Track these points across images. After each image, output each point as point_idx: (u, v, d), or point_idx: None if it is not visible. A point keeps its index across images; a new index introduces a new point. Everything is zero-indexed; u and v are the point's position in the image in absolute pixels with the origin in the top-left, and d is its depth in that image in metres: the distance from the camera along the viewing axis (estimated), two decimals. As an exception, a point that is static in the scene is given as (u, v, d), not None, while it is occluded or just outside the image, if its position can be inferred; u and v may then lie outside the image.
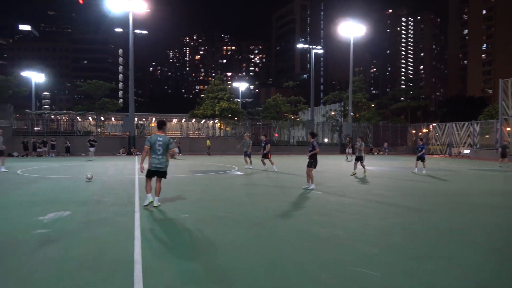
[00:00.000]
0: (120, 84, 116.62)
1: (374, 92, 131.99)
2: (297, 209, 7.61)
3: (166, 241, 5.09)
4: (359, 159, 14.42)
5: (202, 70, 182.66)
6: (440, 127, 39.79)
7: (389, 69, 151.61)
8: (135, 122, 33.74)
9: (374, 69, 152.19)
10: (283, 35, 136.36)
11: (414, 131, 44.45)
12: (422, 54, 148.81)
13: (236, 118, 40.00)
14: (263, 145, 16.73)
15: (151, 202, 7.08)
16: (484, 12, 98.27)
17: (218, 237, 5.21)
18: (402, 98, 56.60)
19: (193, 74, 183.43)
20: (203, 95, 45.46)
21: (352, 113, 40.75)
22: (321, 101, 70.23)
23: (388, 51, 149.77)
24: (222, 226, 5.93)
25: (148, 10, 32.83)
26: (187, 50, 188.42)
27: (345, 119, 45.02)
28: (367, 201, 8.52)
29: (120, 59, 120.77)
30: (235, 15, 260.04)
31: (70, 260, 4.14)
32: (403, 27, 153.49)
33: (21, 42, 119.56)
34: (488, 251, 4.80)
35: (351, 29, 38.28)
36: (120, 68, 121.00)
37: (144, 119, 40.36)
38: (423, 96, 68.59)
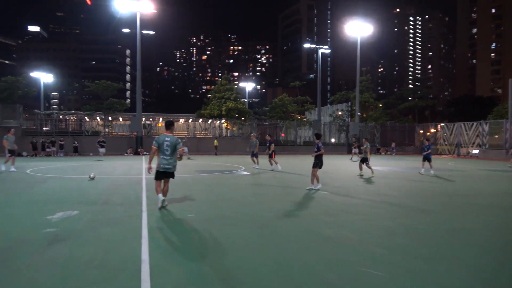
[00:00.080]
0: (128, 85, 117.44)
1: (381, 91, 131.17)
2: (303, 209, 7.61)
3: (173, 240, 5.10)
4: (365, 160, 14.34)
5: (209, 70, 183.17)
6: (448, 127, 39.45)
7: (397, 68, 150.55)
8: (143, 122, 33.90)
9: (382, 69, 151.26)
10: (290, 34, 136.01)
11: (421, 131, 44.12)
12: (430, 53, 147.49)
13: (242, 118, 40.02)
14: (267, 144, 16.90)
15: (163, 200, 7.05)
16: (493, 10, 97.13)
17: (224, 237, 5.22)
18: (409, 98, 56.01)
19: (200, 74, 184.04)
20: (209, 95, 45.56)
21: (359, 113, 40.59)
22: (328, 101, 69.99)
23: (395, 51, 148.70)
24: (229, 226, 5.94)
25: (155, 11, 33.02)
26: (194, 50, 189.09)
27: (352, 119, 44.81)
28: (374, 201, 8.47)
29: (128, 59, 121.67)
30: (242, 15, 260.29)
31: (78, 259, 4.17)
32: (410, 26, 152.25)
33: (30, 43, 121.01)
34: (495, 252, 4.77)
35: (358, 29, 38.11)
36: (128, 68, 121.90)
37: (151, 119, 40.58)
38: (431, 96, 67.87)
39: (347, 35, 41.74)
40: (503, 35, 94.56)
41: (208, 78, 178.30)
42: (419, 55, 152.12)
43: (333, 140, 44.84)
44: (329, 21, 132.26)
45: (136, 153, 31.01)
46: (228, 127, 40.56)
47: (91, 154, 30.18)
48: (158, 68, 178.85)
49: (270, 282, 3.60)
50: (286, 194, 9.46)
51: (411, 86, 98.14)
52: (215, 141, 33.98)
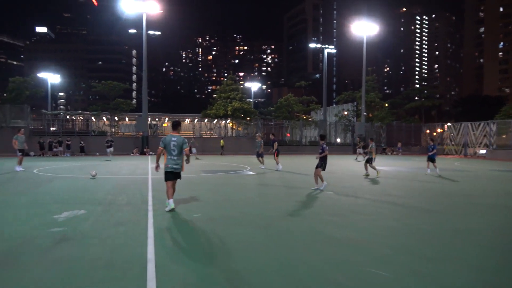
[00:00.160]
0: (134, 85, 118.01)
1: (387, 91, 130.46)
2: (309, 209, 7.62)
3: (179, 240, 5.12)
4: (369, 160, 14.29)
5: (215, 70, 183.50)
6: (455, 127, 39.18)
7: (403, 68, 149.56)
8: (148, 122, 34.06)
9: (388, 68, 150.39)
10: (295, 34, 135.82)
11: (428, 131, 43.82)
12: (437, 53, 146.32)
13: (248, 118, 40.01)
14: (271, 143, 16.99)
15: (173, 209, 6.92)
16: (501, 9, 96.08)
17: (230, 236, 5.22)
18: (416, 98, 55.73)
19: (206, 74, 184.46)
20: (215, 95, 45.58)
21: (365, 113, 40.40)
22: (334, 100, 69.68)
23: (401, 50, 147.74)
24: (234, 225, 5.95)
25: (161, 11, 33.15)
26: (200, 51, 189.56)
27: (358, 119, 44.67)
28: (379, 201, 8.44)
29: (134, 59, 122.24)
30: (247, 15, 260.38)
31: (84, 259, 4.20)
32: (417, 26, 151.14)
33: (38, 44, 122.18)
34: (500, 253, 4.74)
35: (364, 28, 38.04)
36: (134, 68, 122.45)
37: (157, 119, 40.74)
38: (438, 96, 67.42)
39: (353, 34, 41.68)
40: (511, 34, 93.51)
41: (214, 78, 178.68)
42: (426, 55, 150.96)
43: (338, 140, 44.70)
44: (334, 21, 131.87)
45: (142, 153, 31.15)
46: (234, 127, 40.60)
47: (97, 154, 30.36)
48: (164, 68, 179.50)
49: (275, 282, 3.60)
50: (291, 194, 9.44)
51: (417, 85, 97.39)
52: (221, 141, 34.07)
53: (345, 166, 19.72)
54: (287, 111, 45.61)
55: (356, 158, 25.82)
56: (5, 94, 37.76)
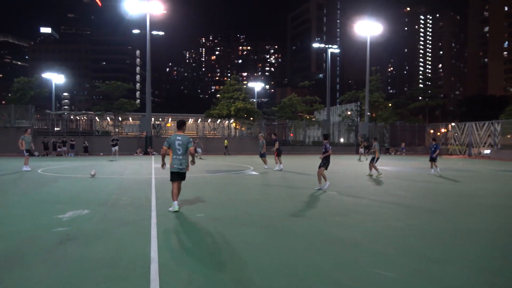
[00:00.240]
0: (138, 85, 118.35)
1: (391, 91, 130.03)
2: (312, 209, 7.62)
3: (182, 240, 5.12)
4: (372, 160, 14.28)
5: (218, 70, 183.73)
6: (459, 127, 38.93)
7: (407, 68, 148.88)
8: (152, 122, 34.11)
9: (392, 68, 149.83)
10: (299, 34, 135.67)
11: (432, 131, 43.57)
12: (441, 52, 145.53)
13: (251, 118, 39.94)
14: (273, 144, 17.05)
15: (177, 211, 6.87)
16: (506, 9, 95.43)
17: (233, 236, 5.22)
18: (420, 98, 55.33)
19: (209, 75, 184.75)
20: (218, 95, 45.60)
21: (368, 113, 40.14)
22: (337, 100, 69.61)
23: (405, 50, 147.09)
24: (238, 225, 5.96)
25: (165, 12, 33.15)
26: (203, 51, 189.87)
27: (362, 119, 44.49)
28: (383, 202, 8.41)
29: (138, 60, 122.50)
30: (251, 15, 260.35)
31: (88, 258, 4.22)
32: (421, 25, 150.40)
33: (42, 44, 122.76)
34: (504, 253, 4.71)
35: (368, 28, 37.93)
36: (138, 69, 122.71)
37: (160, 119, 40.86)
38: (442, 95, 66.93)
39: (356, 34, 41.46)
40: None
41: (217, 78, 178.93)
42: (430, 54, 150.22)
43: (342, 140, 44.56)
44: (338, 21, 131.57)
45: (146, 153, 31.16)
46: (237, 127, 40.55)
47: (101, 154, 30.40)
48: (168, 69, 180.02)
49: (279, 282, 3.60)
50: (294, 194, 9.42)
51: (421, 85, 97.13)
52: (225, 141, 34.08)
53: (349, 166, 19.64)
54: (290, 111, 45.43)
55: (359, 159, 25.69)
56: (9, 95, 37.94)
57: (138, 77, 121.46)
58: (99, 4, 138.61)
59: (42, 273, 3.76)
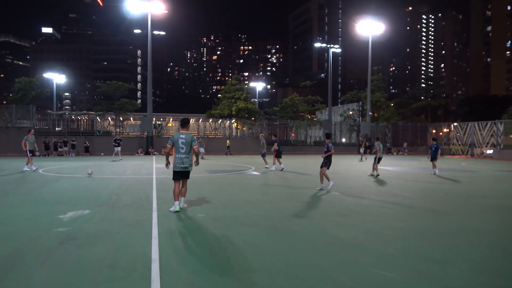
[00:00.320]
0: (139, 85, 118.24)
1: (393, 91, 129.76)
2: (314, 209, 7.59)
3: (183, 240, 5.11)
4: (375, 160, 14.22)
5: (219, 70, 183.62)
6: (461, 127, 38.80)
7: (409, 67, 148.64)
8: (153, 122, 34.00)
9: (393, 68, 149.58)
10: (300, 34, 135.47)
11: (434, 131, 43.45)
12: (443, 52, 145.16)
13: (253, 118, 39.83)
14: (273, 144, 17.09)
15: (178, 211, 6.79)
16: (508, 8, 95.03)
17: (235, 237, 5.20)
18: (422, 97, 55.15)
19: (210, 74, 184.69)
20: (220, 95, 45.52)
21: (370, 113, 40.10)
22: (339, 100, 69.42)
23: (407, 49, 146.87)
24: (239, 226, 5.93)
25: (166, 11, 33.14)
26: (205, 50, 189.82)
27: (363, 118, 44.33)
28: (386, 202, 8.36)
29: (139, 60, 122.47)
30: (252, 15, 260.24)
31: (88, 258, 4.22)
32: (423, 25, 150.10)
33: (44, 44, 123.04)
34: (509, 254, 4.68)
35: (370, 27, 37.83)
36: (139, 69, 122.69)
37: (161, 119, 40.65)
38: (444, 95, 66.66)
39: (358, 34, 41.40)
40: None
41: (218, 78, 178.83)
42: (432, 54, 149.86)
43: (343, 140, 44.44)
44: (340, 20, 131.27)
45: (147, 153, 31.13)
46: (238, 127, 40.47)
47: (102, 154, 30.38)
48: (169, 69, 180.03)
49: (280, 282, 3.59)
50: (296, 195, 9.39)
51: (423, 85, 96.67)
52: (227, 141, 34.05)
53: (351, 166, 19.60)
54: (292, 111, 45.32)
55: (361, 159, 25.61)
56: (11, 95, 37.94)
57: (139, 77, 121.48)
58: (101, 4, 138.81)
59: (43, 274, 3.77)
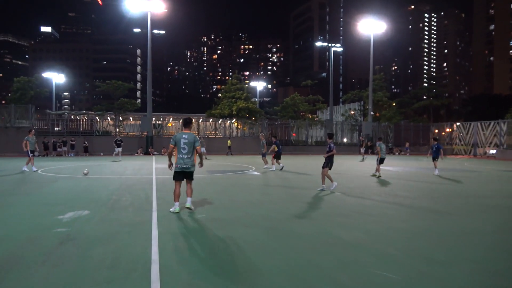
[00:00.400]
0: (138, 84, 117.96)
1: (395, 90, 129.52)
2: (315, 210, 7.55)
3: (183, 241, 5.07)
4: (378, 160, 14.06)
5: (220, 69, 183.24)
6: (464, 127, 38.77)
7: (411, 66, 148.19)
8: (153, 122, 33.87)
9: (395, 67, 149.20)
10: (301, 33, 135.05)
11: (437, 131, 43.29)
12: (446, 51, 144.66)
13: (253, 118, 39.66)
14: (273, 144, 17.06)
15: (177, 212, 6.73)
16: (511, 6, 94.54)
17: (235, 238, 5.17)
18: (424, 97, 54.81)
19: (211, 74, 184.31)
20: (220, 95, 45.36)
21: (372, 112, 39.95)
22: (340, 100, 68.97)
23: (410, 48, 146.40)
24: (240, 226, 5.90)
25: (166, 10, 32.96)
26: (205, 50, 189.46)
27: (365, 118, 44.19)
28: (388, 202, 8.31)
29: (139, 59, 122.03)
30: (253, 14, 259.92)
31: (88, 259, 4.21)
32: (425, 24, 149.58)
33: (43, 43, 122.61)
34: (513, 255, 4.60)
35: (372, 26, 37.76)
36: (138, 68, 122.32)
37: (161, 119, 40.54)
38: (447, 95, 65.97)
39: (360, 33, 41.44)
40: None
41: (219, 77, 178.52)
42: (434, 53, 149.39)
43: (345, 140, 44.25)
44: (341, 19, 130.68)
45: (147, 153, 30.99)
46: (239, 127, 40.29)
47: (101, 154, 30.28)
48: (169, 68, 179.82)
49: (282, 284, 3.58)
50: (297, 195, 9.34)
51: (425, 84, 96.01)
52: (229, 141, 33.93)
53: (352, 166, 19.54)
54: (293, 110, 45.17)
55: (362, 159, 25.51)
56: (10, 94, 37.82)
57: (139, 76, 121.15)
58: (100, 3, 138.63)
59: (42, 274, 3.75)
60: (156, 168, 16.63)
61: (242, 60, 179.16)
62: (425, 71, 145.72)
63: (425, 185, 11.64)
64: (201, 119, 41.80)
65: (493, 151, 33.49)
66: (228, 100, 40.37)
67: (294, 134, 41.77)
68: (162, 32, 37.00)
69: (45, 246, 4.66)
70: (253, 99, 44.82)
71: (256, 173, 15.26)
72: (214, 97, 74.68)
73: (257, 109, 41.22)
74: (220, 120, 39.19)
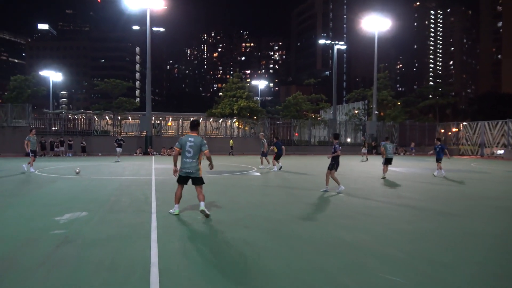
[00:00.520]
0: (137, 83, 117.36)
1: (400, 89, 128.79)
2: (320, 211, 7.55)
3: (183, 243, 5.01)
4: (384, 161, 14.01)
5: (220, 68, 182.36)
6: (471, 126, 38.54)
7: (416, 65, 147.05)
8: (152, 122, 33.66)
9: (400, 65, 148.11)
10: (304, 30, 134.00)
11: (443, 131, 43.01)
12: (452, 48, 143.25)
13: (255, 117, 39.36)
14: (274, 144, 17.08)
15: (177, 214, 6.64)
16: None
17: (237, 240, 5.12)
18: (430, 96, 54.42)
19: (211, 72, 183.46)
20: (221, 94, 45.00)
21: (376, 112, 39.60)
22: (344, 99, 68.45)
23: (415, 46, 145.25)
24: (242, 228, 5.84)
25: (166, 7, 32.54)
26: (205, 48, 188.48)
27: (369, 118, 43.94)
28: (393, 204, 8.27)
29: (137, 57, 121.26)
30: (254, 11, 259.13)
31: (86, 261, 4.17)
32: (431, 21, 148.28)
33: (40, 41, 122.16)
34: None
35: (376, 23, 37.50)
36: (137, 66, 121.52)
37: (161, 118, 40.26)
38: (453, 93, 65.47)
39: (364, 30, 41.38)
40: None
41: (219, 76, 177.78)
42: (440, 51, 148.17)
43: (349, 140, 43.84)
44: (345, 16, 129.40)
45: (146, 153, 30.78)
46: (240, 126, 39.80)
47: (99, 154, 30.10)
48: (168, 66, 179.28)
49: (284, 286, 3.55)
50: (299, 196, 9.34)
51: (431, 83, 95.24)
52: (231, 141, 33.76)
53: (356, 167, 19.48)
54: (295, 110, 44.80)
55: (366, 159, 25.46)
56: (6, 93, 37.54)
57: (138, 75, 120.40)
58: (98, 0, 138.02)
59: (39, 277, 3.71)
60: (155, 169, 16.59)
61: (243, 58, 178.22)
62: (430, 69, 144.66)
63: (430, 186, 11.58)
64: (201, 119, 41.25)
65: (500, 152, 33.20)
66: (229, 99, 39.96)
67: (296, 134, 41.37)
68: (162, 29, 36.58)
69: (42, 248, 4.62)
70: (254, 98, 44.40)
71: (257, 173, 15.26)
72: (215, 96, 74.22)
73: (258, 108, 40.88)
74: (221, 119, 38.74)
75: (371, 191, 10.24)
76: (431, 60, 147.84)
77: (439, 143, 15.32)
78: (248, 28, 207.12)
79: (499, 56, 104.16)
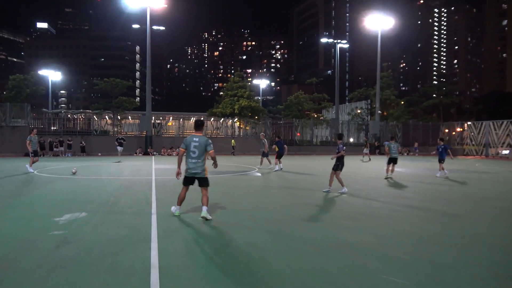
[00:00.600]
0: (137, 82, 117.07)
1: (403, 88, 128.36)
2: (321, 212, 7.52)
3: (183, 244, 4.99)
4: (388, 161, 14.01)
5: (221, 67, 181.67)
6: (475, 126, 38.28)
7: (420, 63, 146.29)
8: (152, 121, 33.43)
9: (404, 64, 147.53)
10: (306, 29, 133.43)
11: (447, 130, 42.79)
12: (456, 47, 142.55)
13: (256, 117, 39.14)
14: (275, 144, 17.16)
15: (178, 215, 6.60)
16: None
17: (238, 241, 5.10)
18: (434, 95, 54.19)
19: (212, 71, 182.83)
20: (222, 93, 44.83)
21: (379, 111, 39.39)
22: (347, 98, 67.92)
23: (419, 45, 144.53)
24: (243, 229, 5.83)
25: (166, 6, 32.31)
26: (206, 46, 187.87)
27: (372, 117, 43.68)
28: (396, 205, 8.24)
29: (137, 56, 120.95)
30: (255, 9, 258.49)
31: (86, 263, 4.16)
32: (435, 19, 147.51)
33: (39, 40, 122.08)
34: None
35: (379, 22, 37.32)
36: (137, 65, 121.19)
37: (161, 118, 40.03)
38: (457, 93, 65.20)
39: (367, 28, 41.28)
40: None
41: (220, 75, 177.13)
42: (444, 50, 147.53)
43: (351, 140, 43.56)
44: (347, 14, 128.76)
45: (146, 153, 30.60)
46: (241, 126, 39.52)
47: (99, 154, 29.94)
48: (169, 65, 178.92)
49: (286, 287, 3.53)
50: (302, 197, 9.34)
51: (435, 82, 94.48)
52: (232, 141, 33.62)
53: (359, 167, 19.41)
54: (297, 109, 44.62)
55: (369, 159, 25.31)
56: (5, 93, 37.43)
57: (138, 74, 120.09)
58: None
59: (38, 278, 3.70)
60: (155, 169, 16.54)
61: (244, 57, 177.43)
62: (434, 68, 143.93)
63: (433, 187, 11.53)
64: (202, 118, 40.98)
65: (505, 152, 33.05)
66: (230, 98, 39.74)
67: (298, 134, 41.19)
68: (162, 28, 36.40)
69: (41, 250, 4.61)
70: (255, 98, 44.26)
71: (259, 174, 15.21)
72: (216, 95, 73.84)
73: (260, 108, 40.66)
74: (222, 119, 38.50)
75: (374, 191, 10.20)
76: (435, 59, 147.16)
77: (442, 143, 15.13)
78: (249, 26, 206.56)
79: (504, 54, 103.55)
